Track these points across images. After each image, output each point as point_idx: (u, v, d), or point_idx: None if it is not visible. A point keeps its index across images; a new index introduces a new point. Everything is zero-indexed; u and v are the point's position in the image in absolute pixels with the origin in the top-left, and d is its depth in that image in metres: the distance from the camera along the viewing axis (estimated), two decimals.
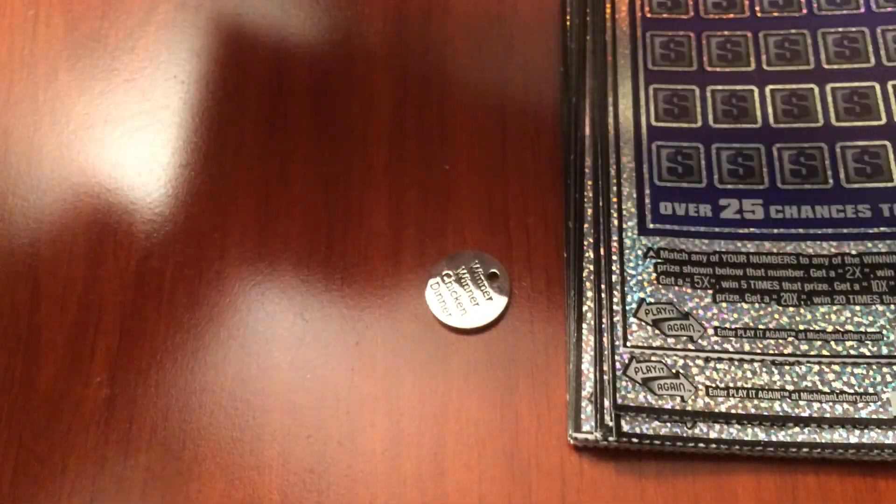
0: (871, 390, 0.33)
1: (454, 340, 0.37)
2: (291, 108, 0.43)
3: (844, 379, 0.34)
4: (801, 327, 0.35)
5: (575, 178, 0.39)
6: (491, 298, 0.37)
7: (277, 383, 0.37)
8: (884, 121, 0.39)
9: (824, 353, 0.34)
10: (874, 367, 0.34)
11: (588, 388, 0.35)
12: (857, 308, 0.35)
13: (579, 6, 0.43)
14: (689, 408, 0.33)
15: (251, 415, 0.36)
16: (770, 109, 0.40)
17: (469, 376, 0.36)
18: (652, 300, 0.36)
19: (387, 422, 0.36)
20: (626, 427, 0.33)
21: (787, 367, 0.34)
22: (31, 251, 0.40)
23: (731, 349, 0.35)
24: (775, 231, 0.37)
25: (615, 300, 0.36)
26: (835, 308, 0.35)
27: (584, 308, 0.36)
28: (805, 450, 0.33)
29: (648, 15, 0.42)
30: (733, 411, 0.33)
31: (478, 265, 0.38)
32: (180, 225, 0.40)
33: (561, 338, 0.37)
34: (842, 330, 0.35)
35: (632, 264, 0.37)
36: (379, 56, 0.44)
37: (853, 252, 0.36)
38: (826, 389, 0.34)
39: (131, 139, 0.43)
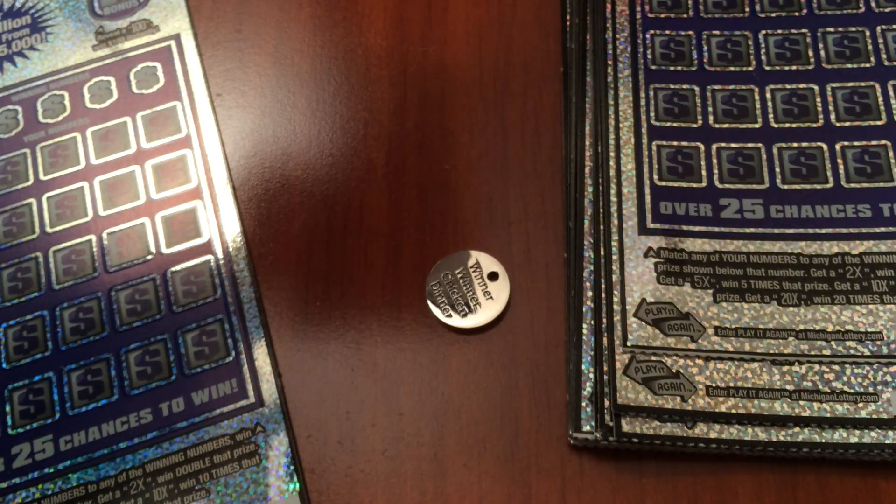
0: (871, 390, 0.33)
1: (454, 340, 0.37)
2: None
3: (844, 379, 0.34)
4: (801, 327, 0.35)
5: (575, 178, 0.39)
6: (491, 298, 0.37)
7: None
8: (884, 121, 0.39)
9: (824, 353, 0.34)
10: (874, 367, 0.34)
11: (588, 388, 0.35)
12: (858, 308, 0.35)
13: (579, 6, 0.43)
14: (689, 408, 0.33)
15: None
16: (770, 109, 0.40)
17: (469, 376, 0.36)
18: (652, 300, 0.36)
19: (387, 422, 0.36)
20: (626, 427, 0.33)
21: (787, 367, 0.34)
22: None
23: (731, 349, 0.35)
24: (775, 231, 0.37)
25: (615, 300, 0.36)
26: (835, 308, 0.35)
27: (584, 308, 0.36)
28: (805, 450, 0.33)
29: (649, 14, 0.42)
30: (733, 411, 0.33)
31: (478, 265, 0.38)
32: None
33: (561, 338, 0.37)
34: (842, 330, 0.35)
35: (632, 264, 0.37)
36: (379, 55, 0.44)
37: (853, 252, 0.36)
38: (826, 389, 0.34)
39: None
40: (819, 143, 0.39)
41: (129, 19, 0.45)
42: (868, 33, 0.41)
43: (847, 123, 0.39)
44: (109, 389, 0.36)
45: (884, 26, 0.41)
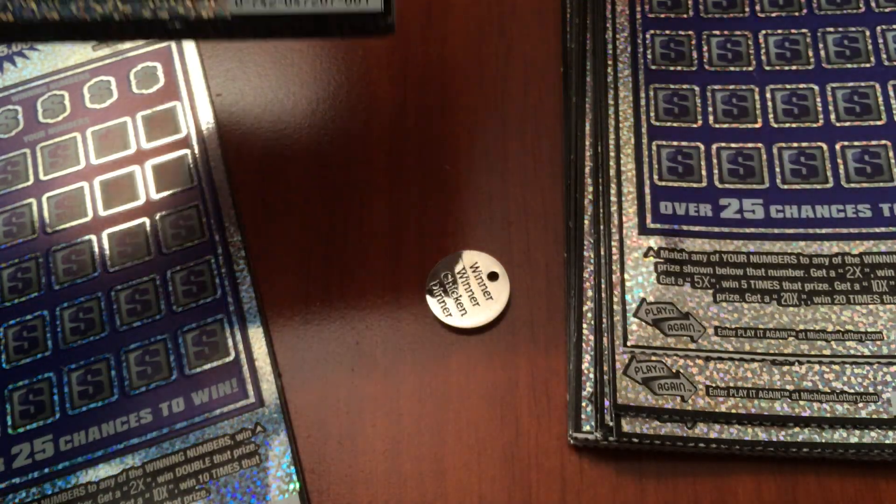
0: (871, 390, 0.33)
1: (454, 340, 0.37)
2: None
3: (844, 379, 0.34)
4: (801, 327, 0.35)
5: (575, 178, 0.39)
6: (491, 298, 0.37)
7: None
8: (884, 121, 0.39)
9: (824, 353, 0.34)
10: (874, 367, 0.34)
11: (588, 388, 0.35)
12: (858, 308, 0.35)
13: (579, 6, 0.43)
14: (689, 408, 0.33)
15: None
16: (770, 109, 0.40)
17: (469, 376, 0.36)
18: (652, 300, 0.36)
19: (387, 422, 0.36)
20: (626, 427, 0.33)
21: (787, 367, 0.34)
22: None
23: (731, 349, 0.35)
24: (775, 231, 0.37)
25: (615, 300, 0.36)
26: (835, 308, 0.35)
27: (584, 308, 0.36)
28: (805, 450, 0.33)
29: (649, 14, 0.42)
30: (733, 411, 0.33)
31: (478, 265, 0.38)
32: None
33: (561, 338, 0.37)
34: (842, 330, 0.35)
35: (632, 264, 0.37)
36: (379, 56, 0.44)
37: (853, 252, 0.36)
38: (826, 389, 0.34)
39: None
40: (819, 143, 0.39)
41: None
42: (868, 33, 0.41)
43: (847, 123, 0.39)
44: (109, 389, 0.36)
45: (884, 26, 0.41)
